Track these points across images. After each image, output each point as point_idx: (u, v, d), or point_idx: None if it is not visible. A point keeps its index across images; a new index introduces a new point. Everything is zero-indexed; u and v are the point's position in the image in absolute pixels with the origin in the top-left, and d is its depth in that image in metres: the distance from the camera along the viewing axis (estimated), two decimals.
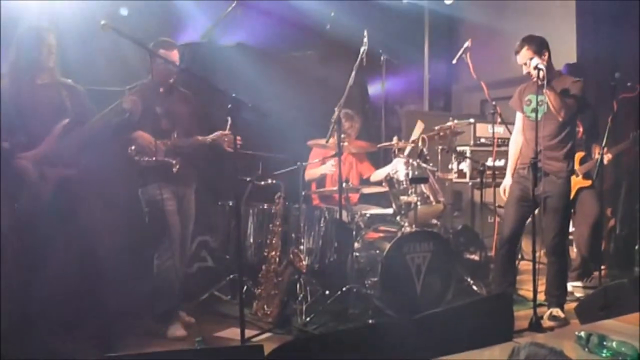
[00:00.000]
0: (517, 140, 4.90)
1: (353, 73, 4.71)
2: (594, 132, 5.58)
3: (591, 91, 5.68)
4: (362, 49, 4.83)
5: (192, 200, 4.59)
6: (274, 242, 4.73)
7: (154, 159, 4.16)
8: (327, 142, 4.72)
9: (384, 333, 3.37)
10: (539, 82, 4.27)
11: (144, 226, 4.46)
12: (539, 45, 4.50)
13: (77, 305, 4.00)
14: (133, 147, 4.16)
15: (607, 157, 5.58)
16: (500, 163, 5.85)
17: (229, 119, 4.19)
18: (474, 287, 5.27)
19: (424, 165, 5.11)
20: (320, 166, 5.42)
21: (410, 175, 4.95)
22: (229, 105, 3.24)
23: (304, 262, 4.70)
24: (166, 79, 4.43)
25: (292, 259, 4.61)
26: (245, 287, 5.06)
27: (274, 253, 4.71)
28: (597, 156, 5.45)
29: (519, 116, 4.89)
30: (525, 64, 4.48)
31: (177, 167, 4.21)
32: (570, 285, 5.31)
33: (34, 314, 3.78)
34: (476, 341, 3.32)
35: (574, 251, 5.87)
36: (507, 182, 4.98)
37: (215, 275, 5.48)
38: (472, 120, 6.43)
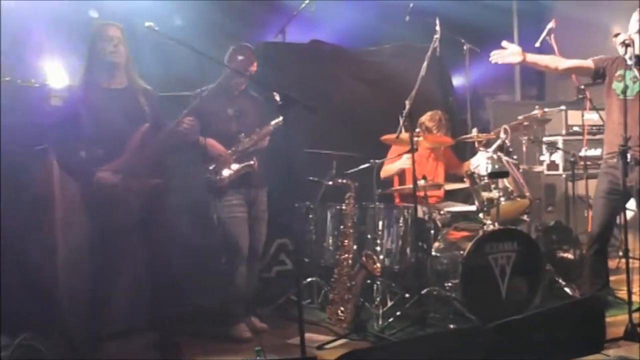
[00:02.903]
0: None
1: (425, 63, 4.45)
2: None
3: None
4: (434, 37, 4.59)
5: (264, 202, 4.49)
6: (345, 244, 4.55)
7: (230, 173, 4.15)
8: (397, 137, 4.49)
9: (466, 339, 3.14)
10: (628, 60, 3.84)
11: (214, 232, 4.39)
12: None
13: (147, 310, 4.00)
14: (212, 167, 4.15)
15: None
16: (594, 152, 5.41)
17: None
18: (567, 290, 4.86)
19: (505, 157, 4.76)
20: (396, 162, 5.19)
21: (489, 170, 4.63)
22: (279, 102, 3.10)
23: (378, 265, 4.48)
24: (240, 84, 4.40)
25: (365, 261, 4.41)
26: (323, 291, 4.95)
27: (345, 255, 4.54)
28: None
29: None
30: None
31: (256, 165, 4.20)
32: None
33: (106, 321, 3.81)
34: (562, 351, 3.02)
35: None
36: None
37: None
38: (563, 107, 5.98)
